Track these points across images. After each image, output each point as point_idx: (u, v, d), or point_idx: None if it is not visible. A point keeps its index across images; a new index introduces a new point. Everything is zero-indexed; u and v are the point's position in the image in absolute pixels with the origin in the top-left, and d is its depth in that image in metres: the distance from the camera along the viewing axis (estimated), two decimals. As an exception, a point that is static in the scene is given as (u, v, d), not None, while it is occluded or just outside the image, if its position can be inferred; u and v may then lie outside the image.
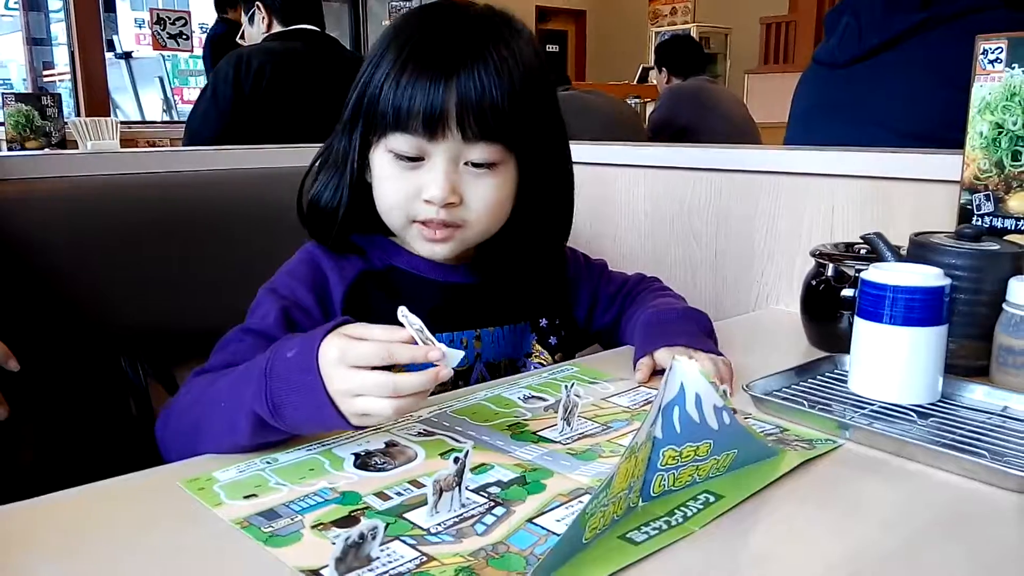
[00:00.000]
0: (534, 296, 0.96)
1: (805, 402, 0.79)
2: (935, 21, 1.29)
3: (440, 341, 0.89)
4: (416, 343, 0.64)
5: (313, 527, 0.55)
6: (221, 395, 0.70)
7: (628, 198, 1.49)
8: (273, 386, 0.65)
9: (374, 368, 0.63)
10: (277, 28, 2.25)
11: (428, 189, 0.81)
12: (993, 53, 0.94)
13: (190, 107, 5.46)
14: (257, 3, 2.25)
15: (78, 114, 4.22)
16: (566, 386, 0.74)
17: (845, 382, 0.83)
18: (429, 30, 0.83)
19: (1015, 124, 0.94)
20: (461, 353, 0.66)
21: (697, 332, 0.90)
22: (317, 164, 0.91)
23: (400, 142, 0.81)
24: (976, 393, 0.81)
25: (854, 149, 1.21)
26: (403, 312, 0.67)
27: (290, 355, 0.66)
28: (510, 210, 0.88)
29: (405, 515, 0.57)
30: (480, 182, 0.83)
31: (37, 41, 5.16)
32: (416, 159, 0.82)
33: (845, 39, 1.40)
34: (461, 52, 0.80)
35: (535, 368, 0.95)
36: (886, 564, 0.53)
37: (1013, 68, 0.93)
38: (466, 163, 0.82)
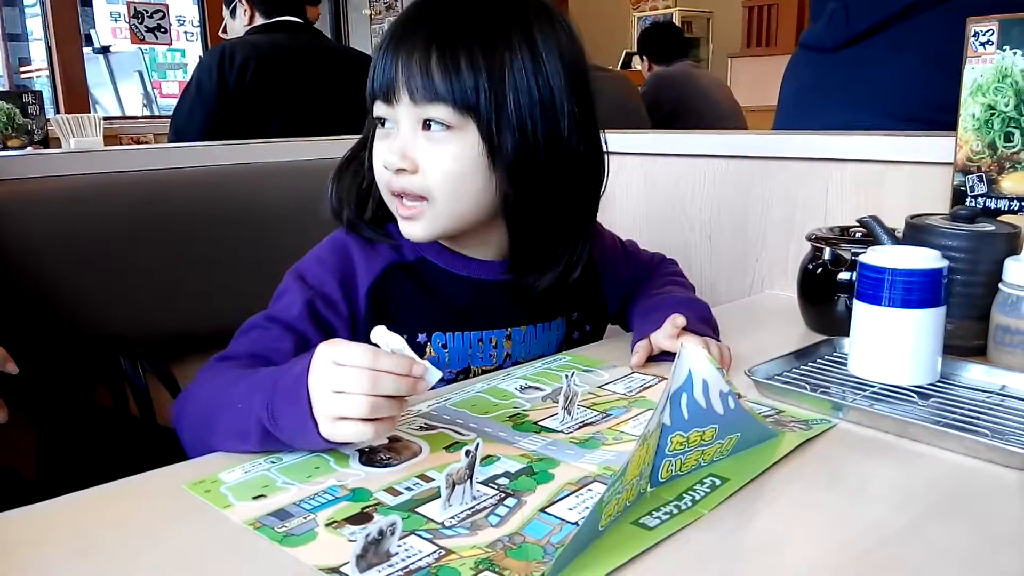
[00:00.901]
0: (568, 292, 0.92)
1: (807, 385, 0.80)
2: (924, 4, 1.29)
3: (469, 339, 0.88)
4: None
5: (327, 525, 0.55)
6: (239, 397, 0.69)
7: (622, 185, 1.50)
8: (276, 397, 0.65)
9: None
10: (260, 21, 2.23)
11: (387, 155, 0.82)
12: (984, 35, 0.94)
13: (170, 101, 5.39)
14: (239, -5, 2.23)
15: (57, 110, 4.17)
16: (566, 375, 0.74)
17: (845, 365, 0.83)
18: (416, 4, 0.84)
19: (1007, 105, 0.95)
20: (439, 373, 0.66)
21: (694, 319, 0.91)
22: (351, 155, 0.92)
23: (378, 109, 0.83)
24: (974, 373, 0.82)
25: (847, 133, 1.22)
26: (379, 332, 0.66)
27: (296, 369, 0.66)
28: (484, 189, 0.82)
29: (417, 510, 0.57)
30: (435, 148, 0.80)
31: (12, 37, 5.08)
32: (386, 123, 0.83)
33: (833, 23, 1.40)
34: (422, 18, 0.81)
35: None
36: (894, 542, 0.54)
37: (1004, 50, 0.94)
38: (425, 127, 0.80)
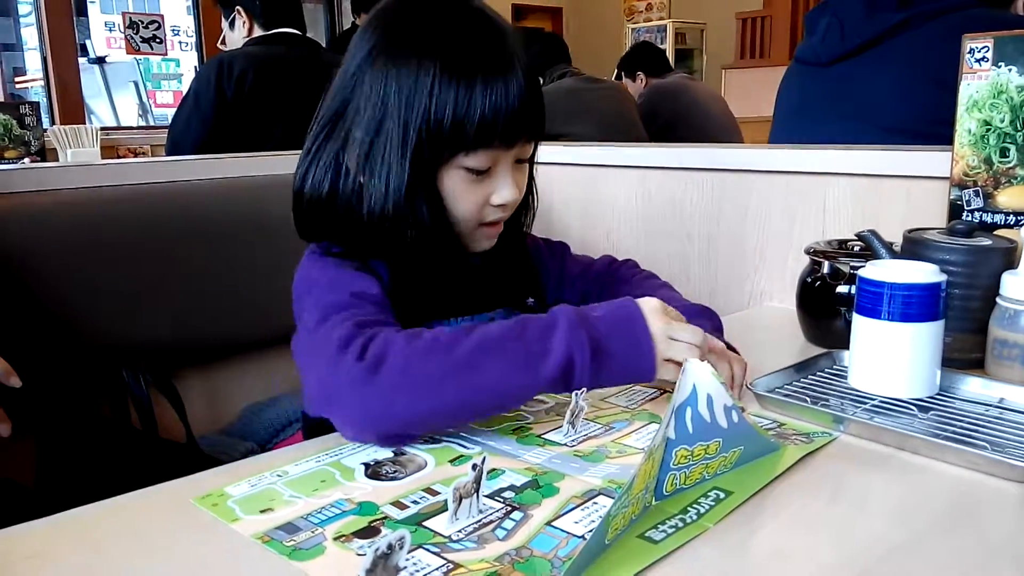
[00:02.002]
0: (513, 278, 0.96)
1: (807, 398, 0.80)
2: (917, 19, 1.31)
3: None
4: None
5: (335, 539, 0.56)
6: (502, 340, 0.71)
7: (620, 198, 1.50)
8: (593, 333, 0.71)
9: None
10: (258, 32, 2.23)
11: (501, 194, 0.84)
12: (980, 52, 0.95)
13: (165, 110, 5.39)
14: (237, 7, 2.23)
15: (52, 120, 4.17)
16: (576, 392, 0.74)
17: (844, 378, 0.84)
18: (470, 39, 0.81)
19: (1002, 121, 0.96)
20: None
21: (710, 330, 0.90)
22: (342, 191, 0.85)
23: (479, 159, 0.81)
24: (973, 386, 0.83)
25: (844, 147, 1.23)
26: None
27: (599, 313, 0.73)
28: None
29: (424, 523, 0.58)
30: (522, 175, 0.87)
31: (7, 47, 5.09)
32: (489, 170, 0.83)
33: (828, 38, 1.42)
34: (508, 58, 0.81)
35: None
36: (895, 555, 0.54)
37: (999, 66, 0.95)
38: (516, 160, 0.85)
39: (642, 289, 0.98)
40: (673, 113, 3.25)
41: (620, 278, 1.02)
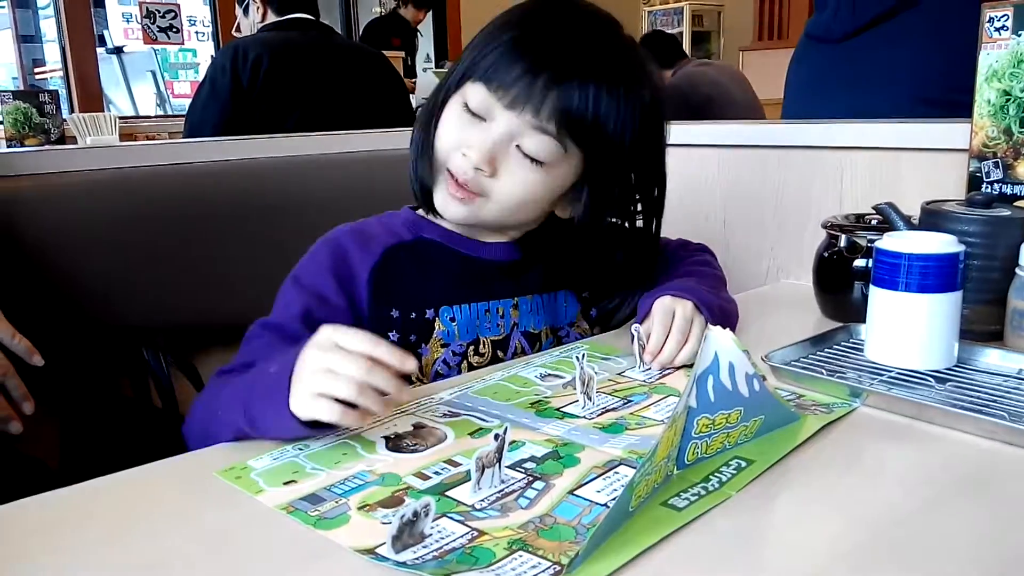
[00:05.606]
0: (576, 267, 0.95)
1: (823, 371, 0.80)
2: (929, -10, 1.29)
3: (476, 310, 0.90)
4: None
5: (360, 508, 0.56)
6: (221, 405, 0.72)
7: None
8: (249, 398, 0.67)
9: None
10: (272, 18, 2.24)
11: (470, 145, 0.82)
12: (999, 21, 0.95)
13: (182, 100, 5.42)
14: (252, -7, 2.24)
15: (71, 111, 4.20)
16: (577, 358, 0.75)
17: (861, 351, 0.84)
18: (545, 21, 0.83)
19: (1023, 91, 0.95)
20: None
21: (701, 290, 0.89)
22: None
23: (475, 94, 0.82)
24: (991, 357, 0.82)
25: (861, 121, 1.22)
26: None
27: (273, 369, 0.67)
28: (543, 209, 0.89)
29: (447, 493, 0.58)
30: (521, 168, 0.83)
31: (27, 38, 5.12)
32: (478, 117, 0.82)
33: (840, 13, 1.40)
34: (573, 44, 0.81)
35: (577, 337, 0.96)
36: (911, 523, 0.55)
37: (1020, 35, 0.94)
38: (517, 146, 0.82)
39: (679, 274, 0.97)
40: (705, 100, 3.21)
41: (674, 262, 1.02)
